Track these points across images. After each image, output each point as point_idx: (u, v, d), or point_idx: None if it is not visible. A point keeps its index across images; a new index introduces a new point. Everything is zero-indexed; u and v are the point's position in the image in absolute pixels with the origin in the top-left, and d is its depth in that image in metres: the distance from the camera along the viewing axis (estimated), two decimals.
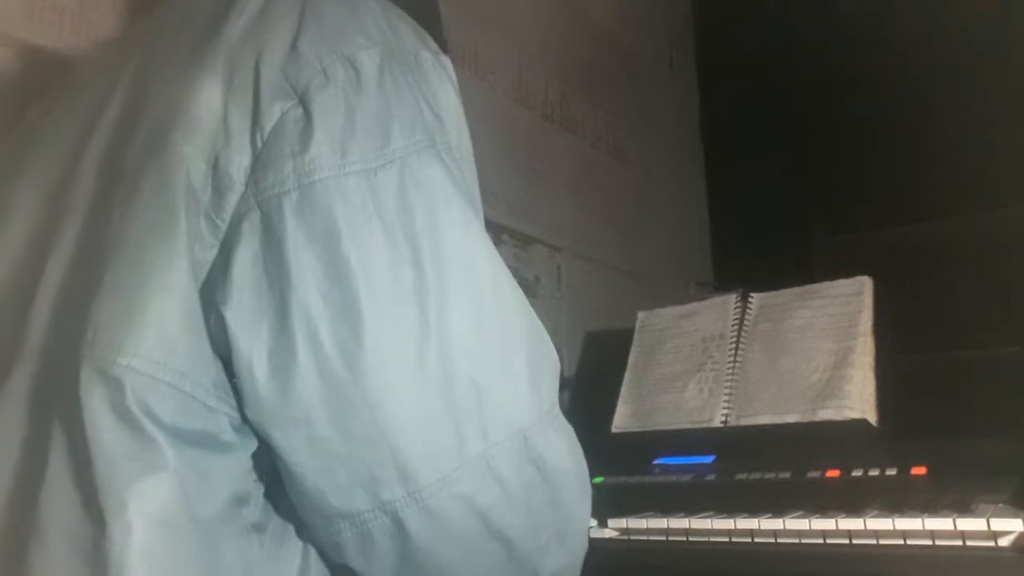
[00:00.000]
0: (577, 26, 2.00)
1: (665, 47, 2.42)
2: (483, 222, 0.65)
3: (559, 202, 1.84)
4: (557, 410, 0.66)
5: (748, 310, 1.29)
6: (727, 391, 1.23)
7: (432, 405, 0.58)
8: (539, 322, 0.66)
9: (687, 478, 1.13)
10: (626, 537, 1.01)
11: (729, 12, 2.38)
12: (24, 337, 0.60)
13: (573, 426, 0.68)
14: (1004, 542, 0.79)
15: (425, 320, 0.58)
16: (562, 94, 1.92)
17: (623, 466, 1.19)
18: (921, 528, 0.82)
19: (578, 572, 0.71)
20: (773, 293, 1.29)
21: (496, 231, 0.65)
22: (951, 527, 0.81)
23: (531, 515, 0.63)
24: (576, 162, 1.94)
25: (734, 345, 1.27)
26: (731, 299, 1.32)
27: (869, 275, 1.22)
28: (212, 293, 0.58)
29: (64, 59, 0.99)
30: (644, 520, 1.00)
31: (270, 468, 0.61)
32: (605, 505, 1.00)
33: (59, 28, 1.00)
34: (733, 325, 1.29)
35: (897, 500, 0.92)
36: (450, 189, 0.61)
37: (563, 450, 0.66)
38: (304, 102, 0.58)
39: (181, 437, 0.56)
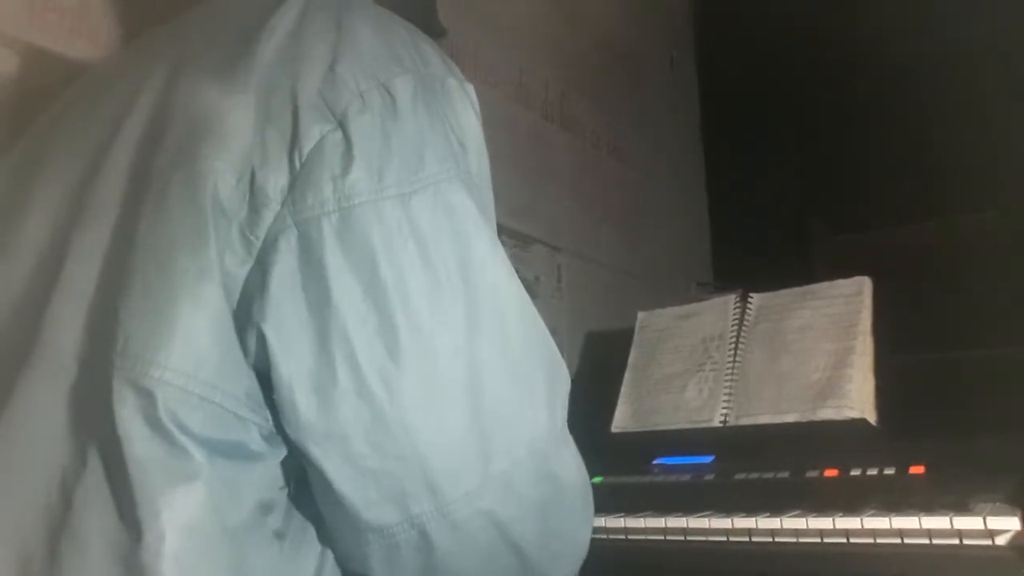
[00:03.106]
0: (577, 26, 2.00)
1: (665, 47, 2.43)
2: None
3: (559, 202, 1.85)
4: (565, 426, 0.68)
5: (748, 310, 1.29)
6: (727, 391, 1.23)
7: (461, 423, 0.60)
8: (552, 341, 0.68)
9: (686, 478, 1.13)
10: (625, 537, 1.01)
11: (729, 12, 2.38)
12: (41, 334, 0.61)
13: (573, 426, 0.69)
14: (1001, 540, 0.79)
15: (457, 342, 0.60)
16: (562, 94, 1.92)
17: (623, 466, 1.19)
18: (918, 527, 0.83)
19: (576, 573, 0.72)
20: (773, 293, 1.29)
21: (496, 233, 0.66)
22: (948, 526, 0.81)
23: (545, 527, 0.65)
24: (576, 162, 1.94)
25: (734, 345, 1.27)
26: (731, 299, 1.32)
27: (869, 275, 1.22)
28: (249, 308, 0.59)
29: (64, 60, 0.99)
30: (643, 520, 1.00)
31: (294, 475, 0.63)
32: (605, 505, 1.00)
33: (59, 28, 1.00)
34: (733, 325, 1.29)
35: (895, 499, 0.92)
36: (476, 214, 0.63)
37: (572, 465, 0.68)
38: (343, 126, 0.60)
39: (212, 447, 0.57)
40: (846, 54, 2.15)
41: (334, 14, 0.65)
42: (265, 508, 0.60)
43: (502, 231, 1.61)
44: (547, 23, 1.89)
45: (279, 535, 0.61)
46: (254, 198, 0.59)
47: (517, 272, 0.67)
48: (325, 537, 0.64)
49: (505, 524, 0.62)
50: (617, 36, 2.17)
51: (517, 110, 1.77)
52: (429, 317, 0.59)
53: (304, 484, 0.62)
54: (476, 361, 0.61)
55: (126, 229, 0.62)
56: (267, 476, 0.61)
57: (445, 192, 0.62)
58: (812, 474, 1.03)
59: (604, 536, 1.01)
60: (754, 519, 0.92)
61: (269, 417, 0.60)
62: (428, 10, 0.87)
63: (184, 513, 0.55)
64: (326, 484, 0.59)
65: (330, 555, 0.64)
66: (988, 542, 0.80)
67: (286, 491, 0.63)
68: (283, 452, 0.61)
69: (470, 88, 0.69)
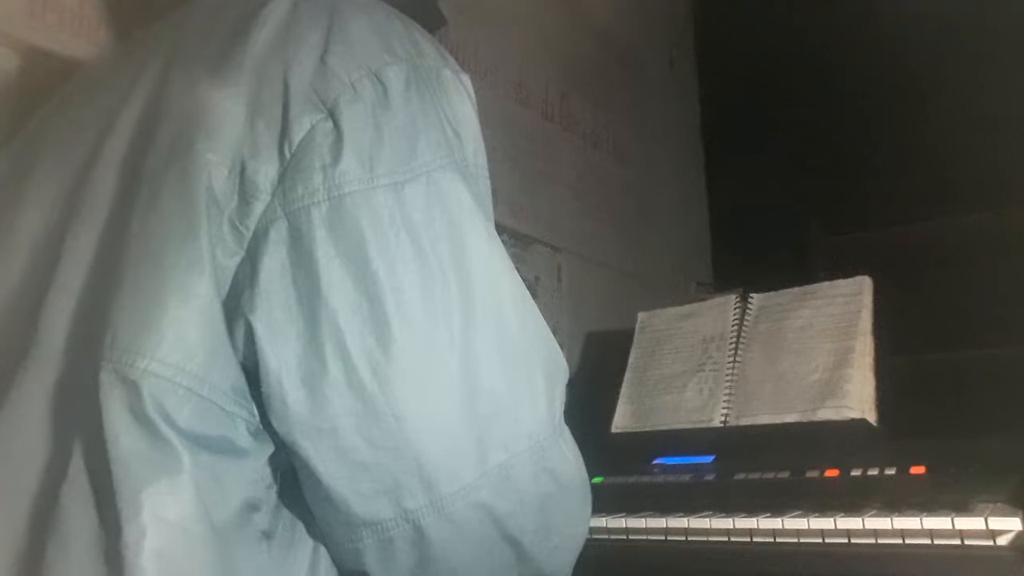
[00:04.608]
0: (577, 26, 2.00)
1: (665, 47, 2.43)
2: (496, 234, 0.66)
3: (559, 202, 1.85)
4: (563, 418, 0.67)
5: (748, 310, 1.29)
6: (727, 391, 1.23)
7: (456, 416, 0.59)
8: (550, 332, 0.68)
9: (686, 478, 1.13)
10: (625, 537, 1.01)
11: (729, 12, 2.38)
12: (36, 333, 0.61)
13: (573, 426, 0.69)
14: (1002, 541, 0.79)
15: (450, 333, 0.59)
16: (562, 94, 1.92)
17: (623, 466, 1.19)
18: (919, 527, 0.82)
19: (572, 567, 0.72)
20: (773, 293, 1.29)
21: (496, 231, 0.66)
22: (949, 526, 0.81)
23: (543, 520, 0.65)
24: (576, 162, 1.94)
25: (734, 345, 1.27)
26: (731, 299, 1.32)
27: (869, 275, 1.22)
28: (238, 300, 0.58)
29: (64, 60, 0.99)
30: (643, 520, 1.00)
31: (282, 473, 0.62)
32: (605, 505, 1.00)
33: (59, 28, 1.00)
34: (733, 325, 1.29)
35: (896, 499, 0.92)
36: (472, 204, 0.62)
37: (571, 458, 0.67)
38: (334, 116, 0.59)
39: (197, 441, 0.56)
40: (846, 54, 2.15)
41: (326, 5, 0.65)
42: (251, 506, 0.59)
43: (502, 231, 1.62)
44: (547, 23, 1.89)
45: (267, 535, 0.60)
46: (244, 189, 0.58)
47: (517, 272, 0.66)
48: (318, 535, 0.63)
49: (503, 518, 0.61)
50: (617, 36, 2.17)
51: (517, 110, 1.77)
52: (421, 308, 0.58)
53: (292, 482, 0.61)
54: (470, 352, 0.60)
55: (119, 225, 0.62)
56: (253, 473, 0.60)
57: (439, 180, 0.61)
58: (813, 474, 1.03)
59: (605, 536, 1.01)
60: (755, 519, 0.92)
61: (256, 412, 0.60)
62: (427, 1, 0.87)
63: (167, 509, 0.54)
64: (315, 479, 0.58)
65: (324, 555, 0.63)
66: (989, 542, 0.80)
67: (273, 489, 0.62)
68: (270, 449, 0.61)
69: (466, 79, 0.68)
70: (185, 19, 0.74)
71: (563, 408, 0.67)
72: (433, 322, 0.59)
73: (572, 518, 0.69)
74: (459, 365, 0.59)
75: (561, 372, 0.67)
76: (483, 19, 1.67)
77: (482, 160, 0.68)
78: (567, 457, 0.66)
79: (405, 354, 0.57)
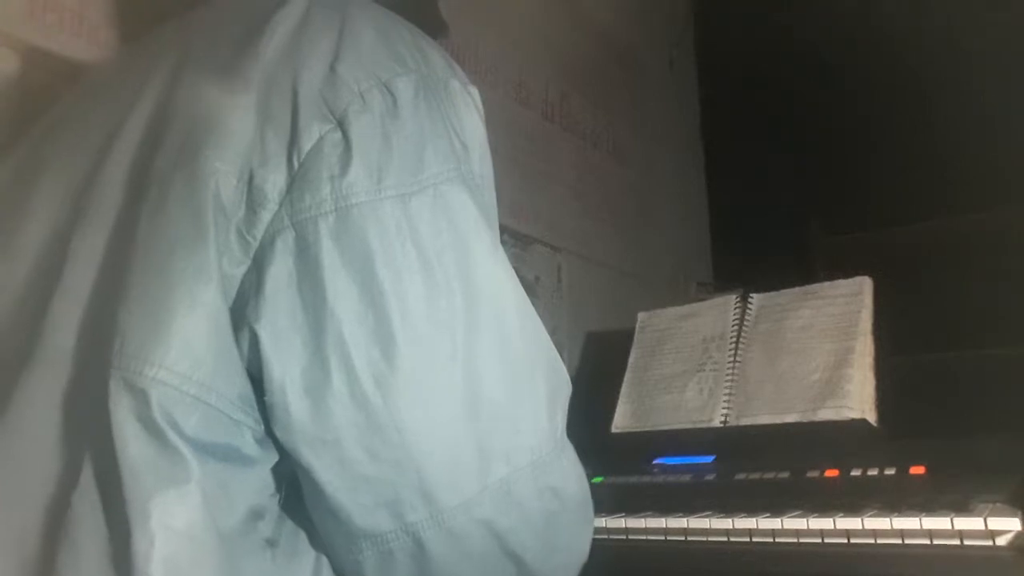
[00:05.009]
0: (577, 26, 2.00)
1: (665, 47, 2.43)
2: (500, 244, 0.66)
3: (559, 202, 1.85)
4: (565, 434, 0.67)
5: (748, 310, 1.29)
6: (727, 391, 1.23)
7: (458, 430, 0.59)
8: (554, 346, 0.67)
9: (686, 478, 1.13)
10: (625, 537, 1.01)
11: (729, 12, 2.38)
12: (42, 336, 0.61)
13: (573, 426, 0.69)
14: (1002, 541, 0.79)
15: (454, 344, 0.59)
16: (562, 94, 1.92)
17: (623, 466, 1.19)
18: (919, 527, 0.82)
19: None
20: (773, 293, 1.29)
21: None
22: (949, 526, 0.81)
23: (546, 537, 0.64)
24: (576, 162, 1.94)
25: (734, 345, 1.27)
26: (731, 299, 1.32)
27: (869, 275, 1.22)
28: (244, 309, 0.58)
29: (65, 60, 0.99)
30: (643, 520, 1.00)
31: (286, 481, 0.62)
32: (605, 505, 1.00)
33: (59, 28, 1.00)
34: (733, 325, 1.29)
35: (895, 500, 0.92)
36: (477, 216, 0.62)
37: (573, 474, 0.67)
38: (342, 126, 0.59)
39: (205, 450, 0.56)
40: (846, 54, 2.15)
41: (336, 13, 0.65)
42: (256, 514, 0.59)
43: (502, 231, 1.62)
44: (547, 23, 1.89)
45: (271, 542, 0.60)
46: (252, 198, 0.58)
47: (517, 272, 0.66)
48: (321, 545, 0.63)
49: (504, 533, 0.61)
50: (617, 36, 2.17)
51: (517, 110, 1.77)
52: (426, 320, 0.58)
53: (296, 490, 0.61)
54: (474, 366, 0.60)
55: (125, 230, 0.61)
56: (259, 482, 0.60)
57: (445, 193, 0.61)
58: (812, 474, 1.03)
59: (605, 536, 1.01)
60: (755, 519, 0.92)
61: (261, 421, 0.60)
62: (429, 7, 0.87)
63: (175, 517, 0.54)
64: (318, 489, 0.58)
65: (326, 564, 0.63)
66: (989, 543, 0.80)
67: (277, 498, 0.62)
68: (275, 457, 0.61)
69: (474, 90, 0.68)
70: (195, 21, 0.74)
71: (565, 423, 0.66)
72: (437, 333, 0.59)
73: (575, 536, 0.69)
74: (462, 378, 0.59)
75: (564, 386, 0.67)
76: (483, 19, 1.67)
77: (489, 172, 0.68)
78: (569, 474, 0.66)
79: (409, 365, 0.57)
